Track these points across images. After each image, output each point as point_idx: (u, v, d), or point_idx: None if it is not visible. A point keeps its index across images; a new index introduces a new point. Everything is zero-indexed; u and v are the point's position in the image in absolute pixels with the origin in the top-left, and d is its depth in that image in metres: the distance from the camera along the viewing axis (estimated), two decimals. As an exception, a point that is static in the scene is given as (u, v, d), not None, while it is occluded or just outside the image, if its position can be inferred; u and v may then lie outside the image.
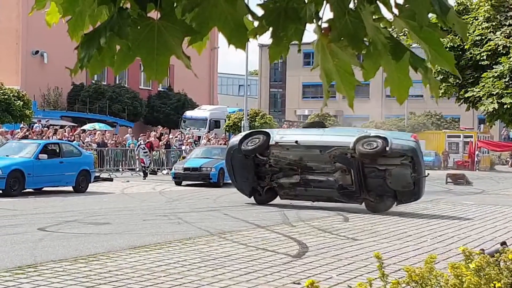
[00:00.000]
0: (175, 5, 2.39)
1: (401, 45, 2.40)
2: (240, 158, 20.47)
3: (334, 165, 19.65)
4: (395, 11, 2.39)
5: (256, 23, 2.41)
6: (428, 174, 20.08)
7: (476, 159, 63.60)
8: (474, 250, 4.17)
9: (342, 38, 2.36)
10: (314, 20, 2.38)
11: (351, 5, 2.38)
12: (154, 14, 2.40)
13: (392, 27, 2.43)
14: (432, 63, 2.44)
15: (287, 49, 2.44)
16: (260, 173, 20.67)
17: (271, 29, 2.40)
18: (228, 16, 2.36)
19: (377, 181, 19.33)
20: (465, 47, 21.48)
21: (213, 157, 30.88)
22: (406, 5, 2.33)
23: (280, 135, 20.84)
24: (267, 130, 22.19)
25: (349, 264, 10.99)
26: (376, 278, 3.67)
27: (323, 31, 2.42)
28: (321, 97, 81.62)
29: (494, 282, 3.90)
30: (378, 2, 2.38)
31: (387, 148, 18.82)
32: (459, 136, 68.61)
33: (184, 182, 30.21)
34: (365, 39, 2.36)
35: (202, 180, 29.61)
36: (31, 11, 2.79)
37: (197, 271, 10.06)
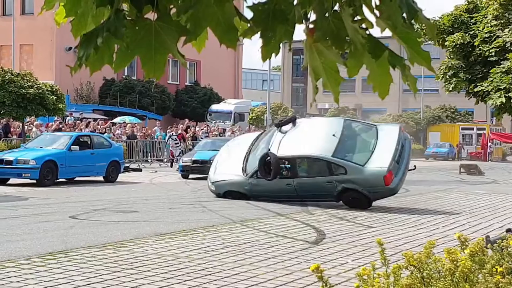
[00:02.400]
0: (170, 6, 2.43)
1: (380, 45, 2.46)
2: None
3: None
4: (377, 12, 2.43)
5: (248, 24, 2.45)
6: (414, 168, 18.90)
7: (488, 150, 63.44)
8: (480, 237, 4.12)
9: (327, 38, 2.39)
10: (304, 21, 2.43)
11: (336, 7, 2.42)
12: (151, 15, 2.44)
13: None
14: (411, 61, 2.51)
15: (278, 49, 2.48)
16: None
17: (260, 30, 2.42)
18: (219, 17, 2.39)
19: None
20: (475, 44, 21.39)
21: (220, 149, 29.57)
22: (383, 8, 2.37)
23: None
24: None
25: (364, 250, 10.93)
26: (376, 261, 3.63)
27: (309, 32, 2.46)
28: (341, 91, 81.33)
29: (496, 267, 3.85)
30: (362, 4, 2.42)
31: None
32: (472, 129, 68.34)
33: (191, 176, 28.14)
34: (348, 38, 2.41)
35: None
36: (40, 11, 2.81)
37: (219, 256, 10.06)
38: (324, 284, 3.15)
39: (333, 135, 18.01)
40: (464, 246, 3.40)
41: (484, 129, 66.66)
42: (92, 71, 2.43)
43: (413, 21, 2.44)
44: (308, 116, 62.69)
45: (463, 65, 21.86)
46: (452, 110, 72.89)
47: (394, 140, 17.74)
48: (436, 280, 3.08)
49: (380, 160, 17.12)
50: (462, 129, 68.37)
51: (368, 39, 2.40)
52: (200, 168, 27.27)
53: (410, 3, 2.39)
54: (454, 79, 22.23)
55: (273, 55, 2.48)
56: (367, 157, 17.41)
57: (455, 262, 3.00)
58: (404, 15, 2.39)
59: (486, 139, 64.48)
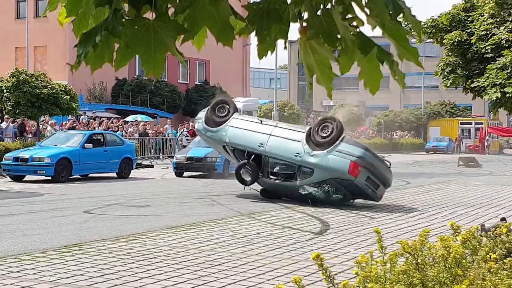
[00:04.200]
0: (168, 6, 2.44)
1: (369, 41, 2.47)
2: None
3: None
4: (367, 11, 2.44)
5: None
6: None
7: (486, 143, 63.45)
8: (474, 225, 4.16)
9: (319, 36, 2.41)
10: (298, 20, 2.45)
11: (328, 6, 2.44)
12: (150, 15, 2.45)
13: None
14: (400, 57, 2.52)
15: (273, 47, 2.50)
16: None
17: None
18: (216, 16, 2.41)
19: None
20: (472, 41, 21.40)
21: None
22: (371, 5, 2.39)
23: None
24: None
25: (366, 240, 10.97)
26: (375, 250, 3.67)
27: (302, 30, 2.48)
28: (346, 88, 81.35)
29: (490, 254, 3.89)
30: (352, 2, 2.44)
31: None
32: (471, 123, 68.30)
33: (185, 173, 26.27)
34: (339, 36, 2.43)
35: (207, 171, 25.38)
36: (44, 12, 2.84)
37: (228, 248, 10.11)
38: (324, 271, 3.19)
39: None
40: (457, 233, 3.44)
41: (482, 123, 66.67)
42: (93, 69, 2.45)
43: (401, 19, 2.45)
44: (314, 113, 62.76)
45: (461, 62, 21.87)
46: (451, 106, 72.82)
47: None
48: (430, 266, 3.11)
49: None
50: (461, 123, 68.36)
51: (358, 36, 2.43)
52: (195, 165, 25.56)
53: (395, 1, 2.41)
54: (452, 75, 22.27)
55: (269, 52, 2.50)
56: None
57: (447, 249, 3.04)
58: (391, 12, 2.41)
59: (484, 133, 64.48)
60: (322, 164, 15.71)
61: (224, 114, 17.93)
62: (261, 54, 2.50)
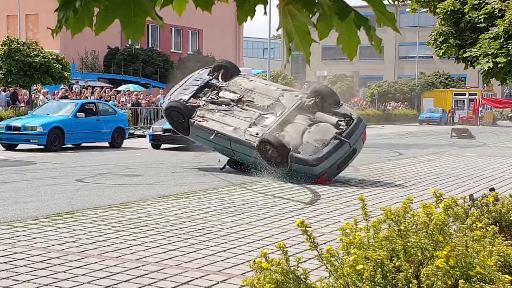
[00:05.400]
0: None
1: (346, 6, 2.48)
2: None
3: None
4: None
5: None
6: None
7: (479, 115, 63.65)
8: (462, 195, 4.25)
9: (298, 1, 2.43)
10: None
11: None
12: None
13: None
14: (378, 22, 2.53)
15: (253, 12, 2.49)
16: None
17: None
18: None
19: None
20: (465, 10, 21.34)
21: None
22: None
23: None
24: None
25: (356, 210, 11.07)
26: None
27: None
28: (339, 58, 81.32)
29: (476, 223, 3.98)
30: None
31: None
32: (464, 94, 68.46)
33: (163, 145, 25.21)
34: (317, 1, 2.44)
35: (185, 144, 23.17)
36: None
37: (219, 217, 10.21)
38: (308, 237, 3.27)
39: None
40: (439, 201, 3.51)
41: (475, 94, 66.82)
42: (73, 33, 2.46)
43: None
44: (307, 83, 62.70)
45: (453, 32, 21.81)
46: (445, 76, 72.78)
47: None
48: (412, 233, 3.20)
49: None
50: (455, 94, 68.49)
51: (335, 1, 2.44)
52: (172, 137, 23.62)
53: None
54: (445, 45, 22.23)
55: (249, 18, 2.52)
56: None
57: (429, 216, 3.12)
58: None
59: (478, 104, 64.66)
60: None
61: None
62: (241, 19, 2.51)
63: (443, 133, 40.91)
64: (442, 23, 22.68)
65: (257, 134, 15.43)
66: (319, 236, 8.40)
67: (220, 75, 17.66)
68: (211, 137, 16.13)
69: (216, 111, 16.63)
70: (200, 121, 16.48)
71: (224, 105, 16.80)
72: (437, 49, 23.08)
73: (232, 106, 16.68)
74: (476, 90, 69.39)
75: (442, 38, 22.42)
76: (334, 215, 10.63)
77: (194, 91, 17.16)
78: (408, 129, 49.10)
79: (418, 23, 68.17)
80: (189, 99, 16.93)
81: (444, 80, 72.92)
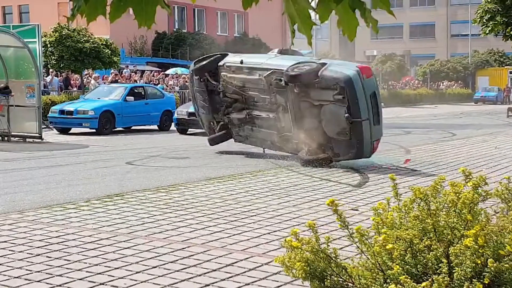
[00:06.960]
0: None
1: None
2: (197, 83, 17.04)
3: (274, 97, 15.40)
4: None
5: None
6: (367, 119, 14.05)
7: (536, 93, 62.38)
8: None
9: None
10: None
11: None
12: None
13: None
14: (374, 5, 2.66)
15: None
16: (215, 104, 16.91)
17: None
18: None
19: (312, 122, 14.60)
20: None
21: None
22: None
23: (232, 56, 16.78)
24: (228, 53, 17.38)
25: (405, 193, 11.06)
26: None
27: None
28: (389, 37, 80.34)
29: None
30: None
31: (319, 73, 14.20)
32: (520, 72, 67.13)
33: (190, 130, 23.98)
34: None
35: None
36: None
37: (264, 199, 10.36)
38: (338, 216, 3.42)
39: None
40: (468, 179, 3.59)
41: (532, 72, 65.52)
42: (88, 20, 2.65)
43: None
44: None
45: (500, 9, 21.50)
46: (500, 54, 71.48)
47: None
48: (441, 212, 3.31)
49: None
50: (510, 72, 67.17)
51: None
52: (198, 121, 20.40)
53: None
54: (491, 23, 21.93)
55: (254, 4, 2.67)
56: None
57: (457, 194, 3.22)
58: None
59: (534, 82, 63.41)
60: None
61: None
62: (246, 5, 2.67)
63: (499, 113, 40.25)
64: (489, 0, 22.36)
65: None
66: (366, 219, 8.47)
67: (207, 78, 16.78)
68: None
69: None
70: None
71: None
72: (483, 26, 22.77)
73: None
74: (532, 67, 68.07)
75: (489, 16, 22.11)
76: (382, 198, 10.63)
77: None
78: (463, 109, 48.44)
79: (469, 1, 67.06)
80: None
81: (499, 58, 71.63)
